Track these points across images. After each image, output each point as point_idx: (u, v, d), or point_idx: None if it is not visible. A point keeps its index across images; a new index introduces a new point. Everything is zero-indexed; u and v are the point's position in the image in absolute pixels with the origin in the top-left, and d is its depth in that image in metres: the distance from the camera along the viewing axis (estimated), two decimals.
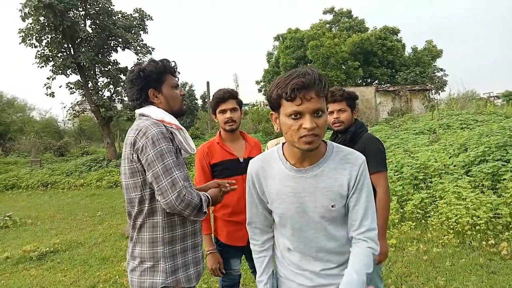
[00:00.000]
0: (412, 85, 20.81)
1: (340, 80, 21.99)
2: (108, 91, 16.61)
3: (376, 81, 25.17)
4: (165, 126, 1.67)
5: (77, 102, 16.83)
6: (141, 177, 1.62)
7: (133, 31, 16.80)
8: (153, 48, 17.23)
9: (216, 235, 2.50)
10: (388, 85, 22.45)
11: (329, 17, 29.39)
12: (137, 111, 1.75)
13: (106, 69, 16.62)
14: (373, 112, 17.40)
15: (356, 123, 2.45)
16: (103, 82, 16.61)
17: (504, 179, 5.06)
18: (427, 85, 20.89)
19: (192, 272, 1.74)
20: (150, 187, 1.62)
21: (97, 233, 6.46)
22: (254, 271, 2.55)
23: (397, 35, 25.80)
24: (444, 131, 10.46)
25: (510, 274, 3.45)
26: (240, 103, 2.45)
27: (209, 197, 1.75)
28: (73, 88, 16.24)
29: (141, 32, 17.34)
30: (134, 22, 16.87)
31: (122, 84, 17.03)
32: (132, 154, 1.61)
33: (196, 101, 48.34)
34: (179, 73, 1.87)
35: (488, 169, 5.40)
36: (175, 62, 1.83)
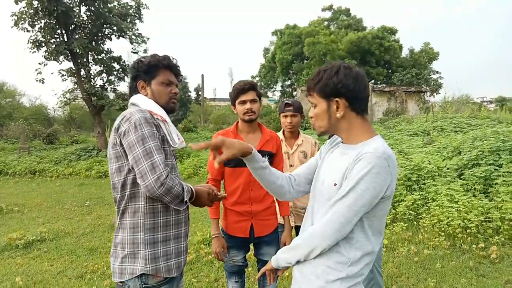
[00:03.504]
0: (407, 86, 20.90)
1: None
2: (100, 79, 16.40)
3: (372, 81, 25.24)
4: (151, 114, 1.68)
5: (69, 89, 16.57)
6: (124, 161, 1.62)
7: (128, 20, 16.55)
8: (148, 38, 17.04)
9: (222, 223, 2.53)
10: (384, 85, 22.53)
11: (327, 14, 29.39)
12: (130, 100, 1.80)
13: (100, 57, 16.37)
14: (368, 112, 17.42)
15: None
16: (96, 70, 16.38)
17: (496, 183, 5.09)
18: (422, 87, 21.01)
19: (173, 263, 1.70)
20: (132, 172, 1.61)
21: (85, 223, 6.37)
22: (259, 261, 2.55)
23: (394, 35, 25.87)
24: (438, 133, 10.53)
25: (498, 278, 3.47)
26: (259, 95, 2.47)
27: (193, 191, 1.72)
28: (65, 75, 15.97)
29: (137, 21, 17.10)
30: (130, 11, 16.60)
31: (115, 73, 16.83)
32: (116, 139, 1.63)
33: (189, 93, 48.09)
34: (179, 71, 1.87)
35: (480, 173, 5.43)
36: (176, 60, 1.85)
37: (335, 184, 1.35)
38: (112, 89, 16.70)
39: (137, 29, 17.04)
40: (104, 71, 16.35)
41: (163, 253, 1.67)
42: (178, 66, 1.87)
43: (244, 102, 2.39)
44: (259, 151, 2.40)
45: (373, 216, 1.33)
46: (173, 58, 1.84)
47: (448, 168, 6.06)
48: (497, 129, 7.06)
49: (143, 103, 1.73)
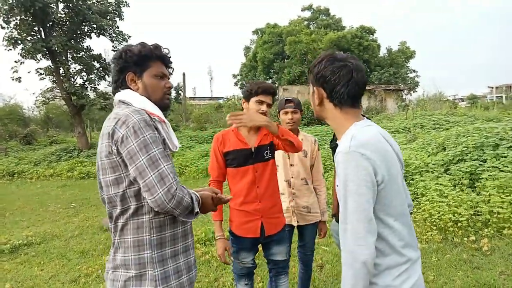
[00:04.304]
0: (386, 84, 21.32)
1: None
2: (80, 78, 16.02)
3: None
4: (148, 115, 1.46)
5: (47, 88, 16.07)
6: (122, 171, 1.41)
7: (108, 17, 16.20)
8: (130, 36, 16.73)
9: (229, 225, 2.48)
10: None
11: (307, 14, 29.60)
12: (116, 97, 1.56)
13: (79, 55, 15.99)
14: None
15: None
16: (75, 68, 15.98)
17: (482, 178, 5.26)
18: (400, 85, 21.47)
19: (185, 280, 1.53)
20: (134, 184, 1.41)
21: (72, 225, 6.20)
22: (270, 262, 2.52)
23: (373, 35, 26.33)
24: (418, 130, 10.79)
25: (492, 269, 3.58)
26: (274, 102, 2.48)
27: (200, 199, 1.52)
28: (43, 74, 15.54)
29: (117, 19, 16.77)
30: (110, 8, 16.27)
31: (95, 71, 16.45)
32: (111, 147, 1.39)
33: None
34: (171, 62, 1.67)
35: (466, 168, 5.60)
36: (168, 50, 1.64)
37: (337, 185, 1.35)
38: (93, 88, 16.32)
39: (117, 27, 16.73)
40: (84, 69, 15.97)
41: (174, 270, 1.49)
42: (170, 56, 1.67)
43: (261, 103, 2.34)
44: (259, 147, 2.41)
45: (383, 205, 1.30)
46: (164, 48, 1.63)
47: (434, 164, 6.22)
48: (479, 125, 7.30)
49: (136, 101, 1.50)
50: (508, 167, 5.33)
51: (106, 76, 16.90)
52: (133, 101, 1.50)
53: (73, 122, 16.74)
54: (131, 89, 1.56)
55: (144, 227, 1.44)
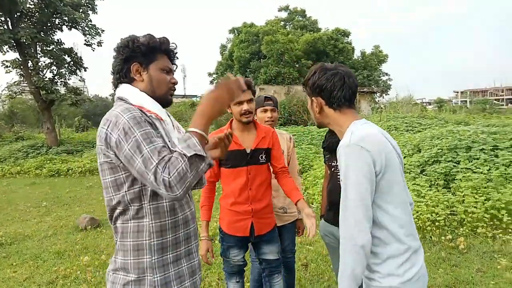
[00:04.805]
0: (360, 87, 21.75)
1: (293, 78, 22.38)
2: (50, 72, 15.41)
3: None
4: (141, 111, 1.37)
5: (14, 82, 15.35)
6: (121, 172, 1.35)
7: (81, 10, 15.67)
8: (103, 30, 16.24)
9: (220, 223, 2.47)
10: None
11: (283, 14, 29.79)
12: (116, 93, 1.48)
13: (49, 48, 15.38)
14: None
15: None
16: (44, 62, 15.36)
17: (457, 179, 5.47)
18: (373, 87, 22.00)
19: (188, 285, 1.47)
20: (135, 185, 1.35)
21: (45, 225, 5.95)
22: (262, 261, 2.50)
23: (348, 38, 26.80)
24: (393, 132, 11.09)
25: (469, 267, 3.73)
26: (254, 93, 2.39)
27: (199, 133, 1.27)
28: (10, 66, 14.83)
29: (90, 12, 16.25)
30: (83, 1, 15.73)
31: (66, 65, 15.88)
32: (108, 151, 1.33)
33: None
34: (177, 58, 1.60)
35: (441, 169, 5.80)
36: (175, 45, 1.57)
37: (341, 180, 1.45)
38: (63, 82, 15.74)
39: (90, 20, 16.22)
40: (54, 63, 15.37)
41: (176, 275, 1.44)
42: (177, 52, 1.59)
43: (240, 103, 2.29)
44: (254, 150, 2.40)
45: (382, 193, 1.40)
46: (172, 43, 1.56)
47: (410, 165, 6.40)
48: (452, 128, 7.58)
49: (134, 97, 1.42)
50: (480, 169, 5.56)
51: (78, 71, 16.36)
52: (130, 97, 1.42)
53: (40, 118, 16.08)
54: (134, 80, 1.48)
55: (144, 231, 1.38)
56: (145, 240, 1.38)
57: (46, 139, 15.12)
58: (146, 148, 1.24)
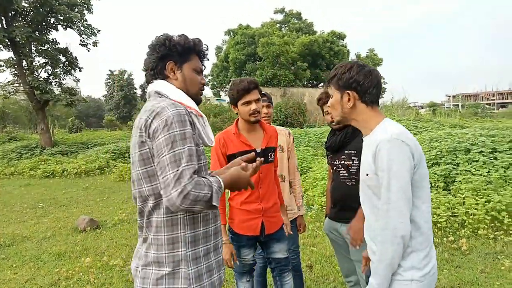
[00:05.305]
0: None
1: (288, 80, 22.43)
2: (45, 72, 15.30)
3: (322, 84, 26.07)
4: (185, 109, 1.43)
5: (8, 82, 15.18)
6: (153, 164, 1.38)
7: (76, 9, 15.57)
8: (99, 30, 16.15)
9: (229, 224, 2.45)
10: None
11: (279, 17, 29.85)
12: (151, 88, 1.53)
13: (44, 48, 15.26)
14: (320, 114, 18.00)
15: None
16: (39, 62, 15.24)
17: (456, 181, 5.51)
18: None
19: (216, 279, 1.51)
20: None
21: (43, 226, 5.88)
22: (272, 261, 2.49)
23: (343, 40, 26.94)
24: None
25: (473, 268, 3.75)
26: (261, 92, 2.39)
27: (222, 182, 1.43)
28: (4, 66, 14.67)
29: (86, 12, 16.14)
30: (78, 0, 15.63)
31: (61, 65, 15.74)
32: (144, 137, 1.37)
33: (135, 90, 46.34)
34: (207, 59, 1.68)
35: (441, 172, 5.84)
36: (207, 47, 1.64)
37: (367, 174, 1.52)
38: (58, 83, 15.61)
39: (86, 20, 16.11)
40: (49, 63, 15.25)
41: (206, 268, 1.47)
42: (208, 53, 1.66)
43: (249, 103, 2.28)
44: (265, 149, 2.40)
45: (415, 187, 1.46)
46: (204, 44, 1.62)
47: None
48: (451, 131, 7.65)
49: (172, 93, 1.47)
50: (479, 171, 5.61)
51: (72, 71, 16.23)
52: (169, 93, 1.47)
53: (32, 119, 15.92)
54: (169, 77, 1.53)
55: (179, 223, 1.42)
56: (180, 233, 1.42)
57: (40, 140, 14.96)
58: (180, 148, 1.32)
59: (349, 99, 1.55)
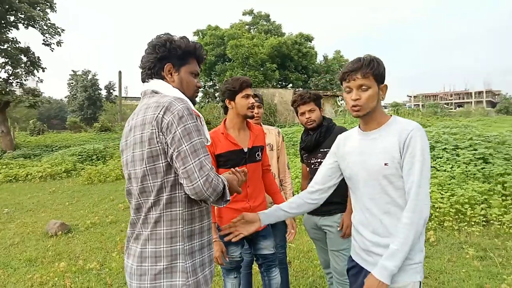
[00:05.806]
0: (323, 90, 22.38)
1: (258, 81, 22.59)
2: (5, 72, 14.58)
3: (291, 85, 26.44)
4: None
5: None
6: (163, 160, 1.40)
7: (38, 8, 14.96)
8: (63, 29, 15.60)
9: (218, 221, 2.47)
10: (302, 89, 23.79)
11: (248, 18, 29.98)
12: (148, 86, 1.53)
13: (3, 47, 14.54)
14: (290, 114, 18.27)
15: (325, 119, 2.62)
16: None
17: None
18: (336, 91, 22.67)
19: (208, 273, 1.54)
20: (172, 173, 1.41)
21: (9, 232, 5.63)
22: (259, 257, 2.54)
23: (311, 42, 27.46)
24: None
25: (441, 258, 3.98)
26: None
27: (227, 184, 1.54)
28: None
29: (49, 10, 15.54)
30: None
31: (22, 66, 15.08)
32: (157, 133, 1.38)
33: (99, 91, 44.94)
34: (204, 64, 1.72)
35: None
36: (206, 52, 1.72)
37: (385, 164, 1.56)
38: (19, 83, 14.93)
39: (49, 19, 15.52)
40: (9, 63, 14.55)
41: (200, 262, 1.51)
42: (205, 58, 1.72)
43: (247, 96, 2.35)
44: (252, 148, 2.45)
45: None
46: (203, 49, 1.66)
47: None
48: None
49: (171, 92, 1.49)
50: (443, 167, 5.95)
51: (35, 71, 15.58)
52: (168, 92, 1.49)
53: None
54: (164, 79, 1.55)
55: (178, 219, 1.44)
56: (178, 227, 1.44)
57: (1, 143, 14.25)
58: (196, 139, 1.38)
59: (383, 92, 1.64)
